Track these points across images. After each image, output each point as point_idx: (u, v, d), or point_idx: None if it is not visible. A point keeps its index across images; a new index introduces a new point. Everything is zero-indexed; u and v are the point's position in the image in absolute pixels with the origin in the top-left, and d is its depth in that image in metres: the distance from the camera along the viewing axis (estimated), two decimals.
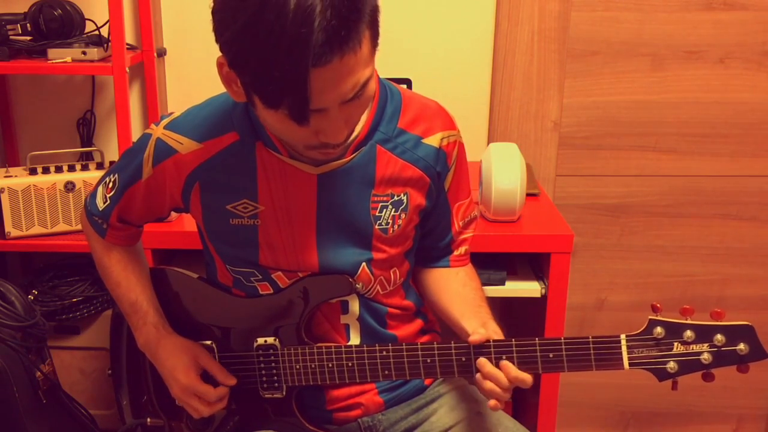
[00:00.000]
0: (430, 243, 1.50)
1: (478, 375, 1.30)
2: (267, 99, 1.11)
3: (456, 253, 1.51)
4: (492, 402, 1.28)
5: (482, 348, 1.30)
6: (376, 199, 1.37)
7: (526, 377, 1.27)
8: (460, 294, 1.46)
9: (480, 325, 1.34)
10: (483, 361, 1.29)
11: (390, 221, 1.38)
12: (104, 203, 1.47)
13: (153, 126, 1.40)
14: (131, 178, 1.42)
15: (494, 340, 1.30)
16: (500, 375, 1.27)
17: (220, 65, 1.19)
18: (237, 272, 1.42)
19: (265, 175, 1.35)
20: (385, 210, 1.38)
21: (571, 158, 2.43)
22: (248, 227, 1.37)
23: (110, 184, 1.45)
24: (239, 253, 1.40)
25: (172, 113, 1.41)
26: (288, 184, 1.34)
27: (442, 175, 1.41)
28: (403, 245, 1.44)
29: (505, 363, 1.28)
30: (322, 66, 1.06)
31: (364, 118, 1.32)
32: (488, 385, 1.29)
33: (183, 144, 1.36)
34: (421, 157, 1.38)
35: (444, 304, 1.46)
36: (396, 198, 1.38)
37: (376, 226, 1.38)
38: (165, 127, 1.38)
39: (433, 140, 1.39)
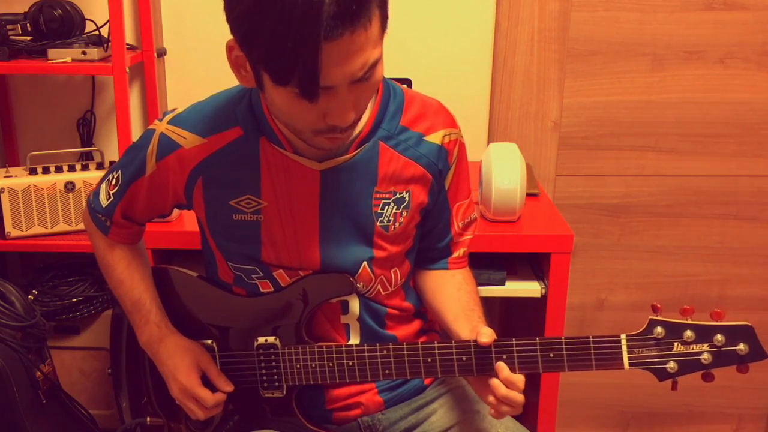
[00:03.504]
0: (429, 244, 1.50)
1: (494, 380, 1.28)
2: (277, 74, 1.10)
3: (455, 255, 1.51)
4: (503, 408, 1.28)
5: (483, 347, 1.29)
6: (378, 196, 1.37)
7: (517, 380, 1.26)
8: (454, 297, 1.46)
9: (470, 330, 1.34)
10: (500, 366, 1.27)
11: (391, 218, 1.39)
12: (108, 200, 1.47)
13: (156, 122, 1.40)
14: (135, 174, 1.42)
15: (495, 340, 1.29)
16: (517, 380, 1.26)
17: (229, 48, 1.18)
18: (238, 269, 1.42)
19: (268, 170, 1.35)
20: (386, 207, 1.38)
21: (571, 158, 2.43)
22: (251, 223, 1.38)
23: (113, 181, 1.45)
24: (241, 249, 1.40)
25: (175, 109, 1.41)
26: (291, 179, 1.35)
27: (443, 172, 1.42)
28: (404, 243, 1.44)
29: (500, 364, 1.27)
30: (332, 40, 1.06)
31: (367, 114, 1.32)
32: (502, 391, 1.27)
33: (187, 139, 1.36)
34: (424, 155, 1.38)
35: (439, 307, 1.46)
36: (398, 195, 1.38)
37: (378, 223, 1.38)
38: (169, 123, 1.38)
39: (435, 137, 1.39)
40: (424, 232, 1.48)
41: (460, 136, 1.43)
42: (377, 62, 1.16)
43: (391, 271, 1.44)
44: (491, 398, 1.28)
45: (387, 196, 1.38)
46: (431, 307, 1.50)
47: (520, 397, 1.27)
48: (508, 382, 1.26)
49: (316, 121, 1.18)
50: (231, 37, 1.16)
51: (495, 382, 1.28)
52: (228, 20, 1.13)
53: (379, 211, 1.38)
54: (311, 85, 1.10)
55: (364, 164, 1.35)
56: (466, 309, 1.41)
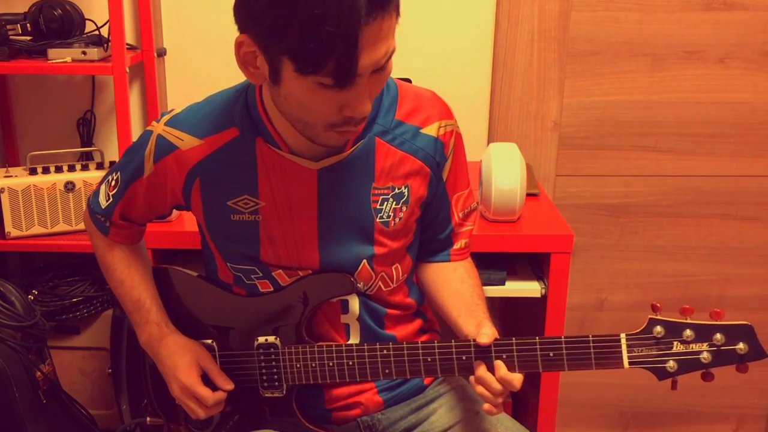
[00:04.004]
0: (429, 235, 1.50)
1: (471, 378, 1.31)
2: (310, 61, 1.09)
3: (456, 246, 1.51)
4: (485, 405, 1.29)
5: (483, 347, 1.29)
6: (376, 192, 1.37)
7: (514, 378, 1.27)
8: (457, 292, 1.46)
9: (475, 325, 1.34)
10: (477, 364, 1.29)
11: (391, 214, 1.39)
12: (107, 201, 1.47)
13: (154, 123, 1.40)
14: (133, 175, 1.42)
15: (495, 340, 1.29)
16: (491, 379, 1.27)
17: (239, 45, 1.17)
18: (237, 269, 1.42)
19: (265, 170, 1.35)
20: (386, 203, 1.38)
21: (571, 158, 2.43)
22: (249, 223, 1.38)
23: (113, 182, 1.46)
24: (240, 249, 1.40)
25: (172, 110, 1.41)
26: (288, 179, 1.35)
27: (441, 165, 1.42)
28: (404, 239, 1.44)
29: (497, 362, 1.28)
30: (369, 24, 1.08)
31: None
32: (479, 389, 1.29)
33: (184, 140, 1.36)
34: (421, 148, 1.38)
35: (442, 302, 1.47)
36: (397, 191, 1.38)
37: (377, 219, 1.38)
38: (166, 124, 1.38)
39: (431, 130, 1.39)
40: (424, 224, 1.48)
41: (456, 127, 1.43)
42: (393, 52, 1.17)
43: (392, 268, 1.44)
44: (481, 389, 1.29)
45: (385, 191, 1.38)
46: (434, 302, 1.50)
47: (493, 394, 1.28)
48: (504, 381, 1.26)
49: (332, 113, 1.18)
50: (235, 37, 1.16)
51: (471, 379, 1.30)
52: (243, 16, 1.13)
53: (378, 207, 1.38)
54: (348, 70, 1.10)
55: (361, 161, 1.36)
56: (470, 304, 1.41)
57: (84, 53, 2.09)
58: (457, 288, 1.46)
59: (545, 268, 1.86)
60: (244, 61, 1.19)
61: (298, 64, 1.10)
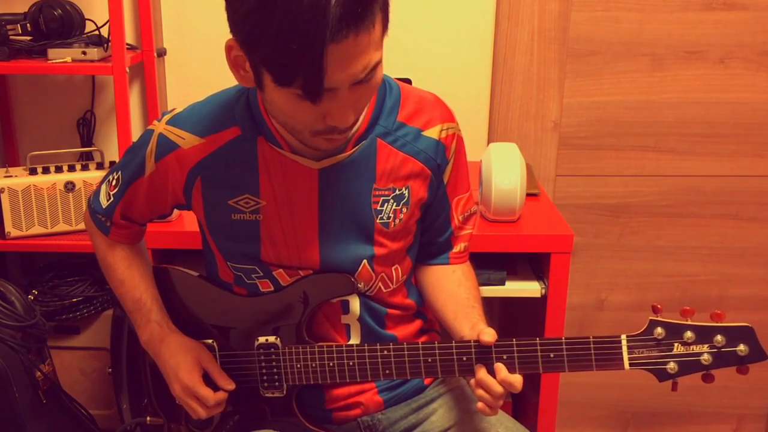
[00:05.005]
0: (429, 238, 1.50)
1: (472, 381, 1.31)
2: (281, 75, 1.11)
3: (455, 249, 1.50)
4: (479, 404, 1.29)
5: (484, 348, 1.29)
6: (377, 192, 1.37)
7: (515, 381, 1.26)
8: (454, 294, 1.46)
9: (470, 328, 1.34)
10: (478, 367, 1.29)
11: (391, 215, 1.39)
12: (108, 201, 1.47)
13: (155, 122, 1.40)
14: (134, 174, 1.42)
15: (495, 341, 1.29)
16: (492, 382, 1.27)
17: (228, 48, 1.18)
18: (238, 269, 1.42)
19: (266, 170, 1.35)
20: (386, 204, 1.38)
21: (571, 158, 2.43)
22: (250, 222, 1.38)
23: (114, 182, 1.46)
24: (241, 248, 1.40)
25: (173, 109, 1.41)
26: (289, 179, 1.35)
27: (442, 167, 1.42)
28: (404, 240, 1.44)
29: (498, 365, 1.28)
30: (337, 42, 1.07)
31: (364, 111, 1.32)
32: (479, 392, 1.29)
33: (185, 139, 1.36)
34: (422, 150, 1.38)
35: (439, 305, 1.47)
36: (398, 192, 1.38)
37: (378, 220, 1.38)
38: (167, 123, 1.38)
39: (433, 132, 1.39)
40: (424, 227, 1.48)
41: (457, 130, 1.43)
42: (378, 64, 1.16)
43: (392, 268, 1.44)
44: (481, 392, 1.29)
45: (386, 192, 1.38)
46: (431, 304, 1.50)
47: (493, 397, 1.28)
48: (505, 383, 1.26)
49: (315, 121, 1.19)
50: (230, 36, 1.17)
51: (471, 382, 1.30)
52: (229, 21, 1.14)
53: (378, 208, 1.38)
54: (315, 87, 1.10)
55: (363, 162, 1.36)
56: (466, 306, 1.41)
57: (84, 53, 2.09)
58: (454, 291, 1.46)
59: (545, 268, 1.86)
60: (234, 65, 1.20)
61: (272, 76, 1.12)
